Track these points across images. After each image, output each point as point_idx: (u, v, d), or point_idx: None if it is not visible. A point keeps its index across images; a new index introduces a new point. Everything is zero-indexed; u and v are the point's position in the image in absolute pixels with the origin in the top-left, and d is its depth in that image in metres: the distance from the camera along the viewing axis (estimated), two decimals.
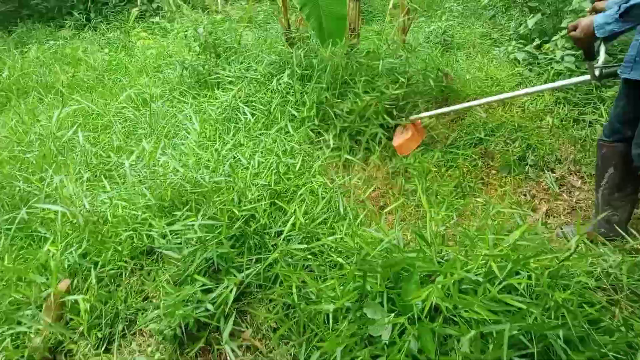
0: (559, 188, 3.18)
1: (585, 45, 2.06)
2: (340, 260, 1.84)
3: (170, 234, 1.95)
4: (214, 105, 3.16)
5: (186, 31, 4.25)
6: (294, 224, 1.96)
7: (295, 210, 1.99)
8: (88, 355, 1.77)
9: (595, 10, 2.27)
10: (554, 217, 2.93)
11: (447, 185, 3.13)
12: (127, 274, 1.98)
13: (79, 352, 1.75)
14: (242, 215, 2.00)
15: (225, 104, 3.11)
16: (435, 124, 3.93)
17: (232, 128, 2.88)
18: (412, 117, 3.49)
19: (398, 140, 3.53)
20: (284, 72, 3.35)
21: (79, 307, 1.81)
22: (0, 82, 4.05)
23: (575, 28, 2.04)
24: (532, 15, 5.01)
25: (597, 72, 2.26)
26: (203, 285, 1.82)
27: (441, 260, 1.83)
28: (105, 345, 1.81)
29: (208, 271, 1.92)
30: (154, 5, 6.57)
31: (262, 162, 2.41)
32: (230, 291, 1.75)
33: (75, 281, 1.93)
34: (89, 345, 1.79)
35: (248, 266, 1.97)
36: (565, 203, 3.02)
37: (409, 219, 2.84)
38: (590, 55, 2.15)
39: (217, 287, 1.84)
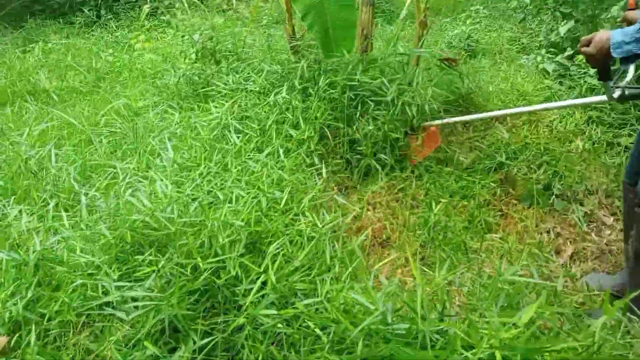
0: (588, 225, 2.81)
1: (600, 65, 1.69)
2: (317, 331, 1.55)
3: (123, 288, 1.69)
4: (205, 121, 2.89)
5: (183, 36, 3.99)
6: (264, 282, 1.67)
7: (268, 265, 1.70)
8: None
9: (627, 22, 1.89)
10: (581, 261, 2.57)
11: (459, 217, 2.79)
12: (77, 329, 1.73)
13: None
14: (209, 267, 1.72)
15: (216, 121, 2.83)
16: (449, 143, 3.59)
17: (220, 150, 2.60)
18: (425, 124, 3.24)
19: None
20: (284, 85, 3.05)
21: None
22: None
23: (588, 43, 1.67)
24: (564, 21, 4.57)
25: (617, 93, 1.92)
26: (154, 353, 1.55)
27: (437, 338, 1.52)
28: None
29: (165, 333, 1.65)
30: (166, 2, 6.35)
31: (243, 197, 2.12)
32: None
33: (18, 336, 1.69)
34: None
35: (214, 326, 1.70)
36: (594, 245, 2.65)
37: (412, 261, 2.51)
38: (605, 76, 1.80)
39: (171, 354, 1.58)
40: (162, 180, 2.18)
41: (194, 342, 1.59)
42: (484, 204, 2.96)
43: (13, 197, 2.17)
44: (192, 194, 2.18)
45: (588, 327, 1.54)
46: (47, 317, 1.70)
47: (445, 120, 3.26)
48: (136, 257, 1.83)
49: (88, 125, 3.16)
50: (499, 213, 2.93)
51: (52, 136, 2.94)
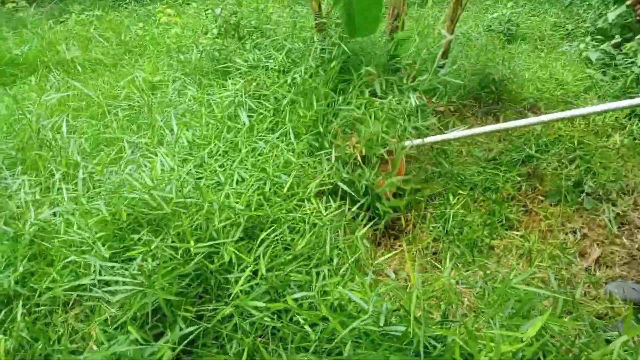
0: (619, 227, 2.60)
1: None
2: (306, 327, 1.47)
3: (113, 268, 1.64)
4: (220, 98, 2.81)
5: (206, 10, 3.90)
6: (255, 272, 1.59)
7: (260, 253, 1.61)
8: None
9: None
10: (607, 267, 2.38)
11: (479, 211, 2.64)
12: (67, 307, 1.70)
13: None
14: (201, 251, 1.66)
15: (230, 98, 2.75)
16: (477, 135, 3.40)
17: (232, 129, 2.52)
18: (406, 143, 2.54)
19: None
20: (303, 64, 2.93)
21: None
22: (20, 55, 3.90)
23: None
24: (615, 6, 4.23)
25: None
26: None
27: (434, 344, 1.41)
28: None
29: (155, 317, 1.60)
30: None
31: (246, 179, 2.04)
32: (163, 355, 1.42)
33: (8, 310, 1.67)
34: None
35: (203, 313, 1.64)
36: (624, 250, 2.45)
37: (421, 255, 2.39)
38: None
39: (158, 340, 1.53)
40: (166, 157, 2.12)
41: (180, 329, 1.54)
42: (507, 199, 2.79)
43: (20, 167, 2.15)
44: (196, 173, 2.11)
45: (606, 343, 1.40)
46: (37, 293, 1.67)
47: (432, 138, 2.61)
48: (132, 236, 1.78)
49: (106, 98, 3.13)
50: (523, 209, 2.75)
51: (68, 107, 2.92)
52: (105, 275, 1.63)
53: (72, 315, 1.67)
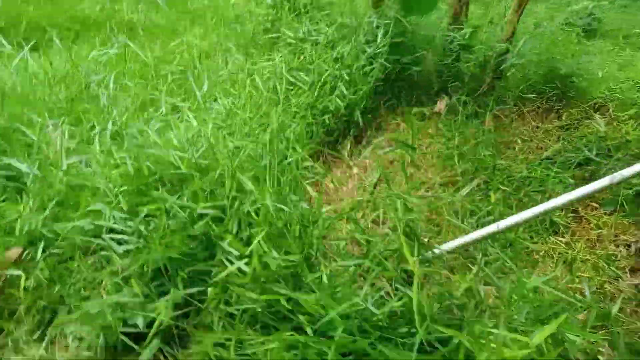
0: None
1: None
2: (301, 318, 1.42)
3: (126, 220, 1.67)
4: (264, 68, 2.80)
5: None
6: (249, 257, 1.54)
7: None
8: (18, 341, 1.59)
9: None
10: None
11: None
12: (85, 254, 1.76)
13: (9, 336, 1.58)
14: (207, 213, 1.65)
15: (275, 69, 2.73)
16: (533, 129, 3.18)
17: (268, 99, 2.50)
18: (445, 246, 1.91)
19: None
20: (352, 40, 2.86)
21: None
22: (89, 14, 4.07)
23: None
24: None
25: None
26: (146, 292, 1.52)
27: (435, 347, 1.32)
28: (41, 331, 1.62)
29: (162, 274, 1.62)
30: None
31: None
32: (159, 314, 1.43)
33: (34, 250, 1.75)
34: (24, 331, 1.61)
35: (204, 278, 1.63)
36: None
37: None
38: None
39: (160, 297, 1.54)
40: (194, 120, 2.14)
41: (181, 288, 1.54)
42: None
43: (65, 118, 2.24)
44: (223, 138, 2.11)
45: None
46: (60, 237, 1.73)
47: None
48: (152, 192, 1.81)
49: (160, 62, 3.21)
50: (572, 214, 2.54)
51: (123, 67, 3.02)
52: (119, 227, 1.66)
53: (88, 262, 1.72)
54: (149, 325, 1.50)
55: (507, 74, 3.42)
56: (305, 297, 1.37)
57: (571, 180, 2.66)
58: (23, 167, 1.85)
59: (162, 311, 1.45)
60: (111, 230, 1.68)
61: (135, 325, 1.50)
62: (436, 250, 1.66)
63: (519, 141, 3.15)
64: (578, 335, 1.35)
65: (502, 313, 1.53)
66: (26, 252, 1.73)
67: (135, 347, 1.48)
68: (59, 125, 2.16)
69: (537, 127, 3.32)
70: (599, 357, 1.41)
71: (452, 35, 3.38)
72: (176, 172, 1.82)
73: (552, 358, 1.25)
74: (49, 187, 1.85)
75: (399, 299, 1.42)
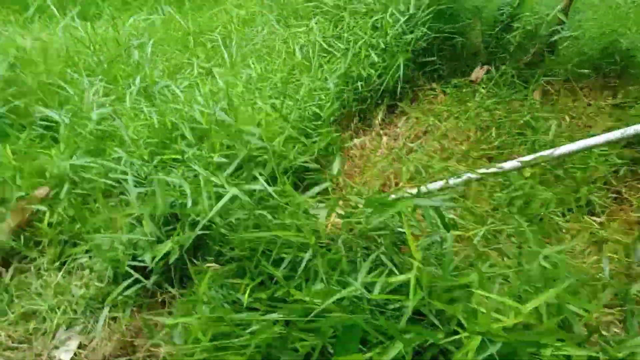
0: None
1: None
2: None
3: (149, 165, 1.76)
4: (300, 36, 2.81)
5: None
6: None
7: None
8: (40, 268, 1.73)
9: None
10: None
11: (554, 188, 2.31)
12: (111, 196, 1.87)
13: (32, 263, 1.73)
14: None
15: (309, 37, 2.73)
16: (584, 105, 2.97)
17: (299, 65, 2.51)
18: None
19: None
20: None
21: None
22: None
23: None
24: None
25: None
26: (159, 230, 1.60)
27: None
28: (60, 262, 1.75)
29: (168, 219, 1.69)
30: None
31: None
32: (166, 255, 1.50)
33: (63, 189, 1.88)
34: (45, 260, 1.75)
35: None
36: None
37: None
38: None
39: (168, 237, 1.62)
40: (220, 80, 2.19)
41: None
42: (596, 180, 2.41)
43: (101, 77, 2.37)
44: (247, 100, 2.15)
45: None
46: (83, 180, 1.85)
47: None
48: (173, 144, 1.88)
49: (202, 30, 3.30)
50: (613, 195, 2.36)
51: (167, 35, 3.13)
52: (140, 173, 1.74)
53: (110, 203, 1.83)
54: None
55: (560, 47, 3.21)
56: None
57: (618, 160, 2.47)
58: (56, 116, 1.99)
59: (169, 250, 1.52)
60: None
61: (143, 261, 1.58)
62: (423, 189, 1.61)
63: (566, 118, 2.96)
64: (582, 309, 1.27)
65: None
66: (54, 191, 1.86)
67: (142, 278, 1.56)
68: (94, 83, 2.29)
69: (589, 105, 3.10)
70: (603, 332, 1.32)
71: (503, 3, 3.21)
72: (196, 126, 1.88)
73: (548, 326, 1.18)
74: (77, 136, 1.98)
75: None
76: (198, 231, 1.49)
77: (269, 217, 1.55)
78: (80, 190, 1.84)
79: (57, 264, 1.74)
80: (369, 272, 1.31)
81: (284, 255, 1.40)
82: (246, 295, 1.36)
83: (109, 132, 2.00)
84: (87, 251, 1.75)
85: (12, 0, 3.76)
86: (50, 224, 1.78)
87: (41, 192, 1.83)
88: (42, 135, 2.18)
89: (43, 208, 1.77)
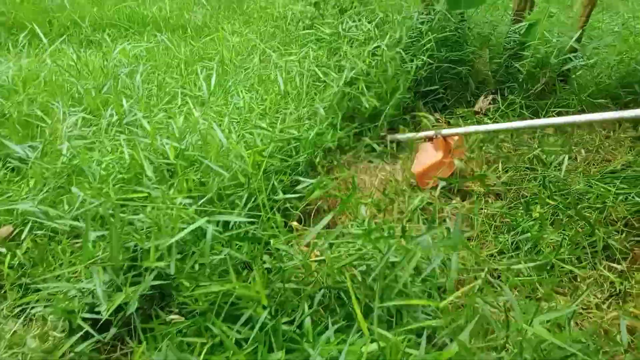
0: None
1: None
2: None
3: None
4: (293, 64, 2.70)
5: None
6: None
7: None
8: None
9: None
10: None
11: (569, 231, 2.10)
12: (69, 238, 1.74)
13: None
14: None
15: (302, 65, 2.62)
16: (601, 138, 2.77)
17: (286, 95, 2.39)
18: (444, 131, 2.43)
19: (421, 163, 2.47)
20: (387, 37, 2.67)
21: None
22: (146, 15, 4.21)
23: None
24: None
25: None
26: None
27: None
28: (21, 308, 1.61)
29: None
30: None
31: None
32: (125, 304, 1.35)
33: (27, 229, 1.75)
34: (5, 304, 1.61)
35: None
36: None
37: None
38: None
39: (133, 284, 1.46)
40: (196, 111, 2.07)
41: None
42: (615, 222, 2.19)
43: (84, 106, 2.28)
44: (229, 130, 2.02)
45: None
46: (53, 218, 1.72)
47: (466, 129, 2.38)
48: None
49: (197, 58, 3.23)
50: (635, 239, 2.14)
51: (161, 63, 3.06)
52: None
53: (72, 246, 1.69)
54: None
55: (573, 76, 3.03)
56: None
57: (638, 199, 2.25)
58: (20, 151, 1.88)
59: (133, 299, 1.36)
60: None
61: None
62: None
63: (582, 151, 2.76)
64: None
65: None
66: (18, 231, 1.74)
67: (94, 333, 1.41)
68: (76, 113, 2.19)
69: (607, 137, 2.89)
70: None
71: (511, 30, 3.07)
72: (166, 162, 1.75)
73: None
74: (46, 171, 1.86)
75: None
76: (151, 280, 1.34)
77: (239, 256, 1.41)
78: (45, 231, 1.71)
79: (17, 310, 1.60)
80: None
81: (244, 310, 1.23)
82: (201, 358, 1.19)
83: (79, 167, 1.88)
84: (48, 299, 1.61)
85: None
86: (11, 266, 1.65)
87: (3, 231, 1.71)
88: (18, 169, 2.07)
89: (2, 250, 1.64)
